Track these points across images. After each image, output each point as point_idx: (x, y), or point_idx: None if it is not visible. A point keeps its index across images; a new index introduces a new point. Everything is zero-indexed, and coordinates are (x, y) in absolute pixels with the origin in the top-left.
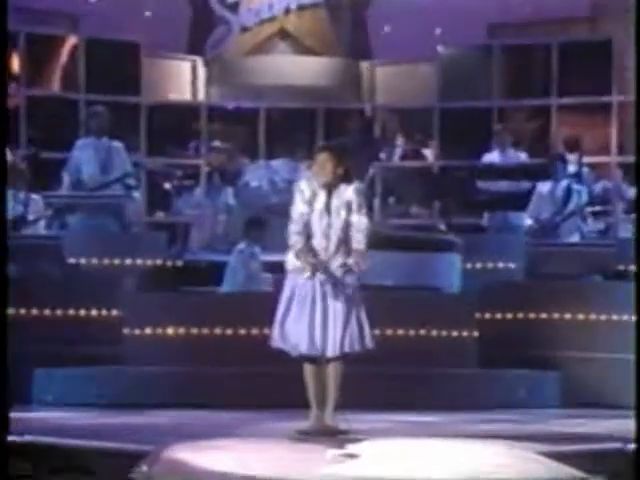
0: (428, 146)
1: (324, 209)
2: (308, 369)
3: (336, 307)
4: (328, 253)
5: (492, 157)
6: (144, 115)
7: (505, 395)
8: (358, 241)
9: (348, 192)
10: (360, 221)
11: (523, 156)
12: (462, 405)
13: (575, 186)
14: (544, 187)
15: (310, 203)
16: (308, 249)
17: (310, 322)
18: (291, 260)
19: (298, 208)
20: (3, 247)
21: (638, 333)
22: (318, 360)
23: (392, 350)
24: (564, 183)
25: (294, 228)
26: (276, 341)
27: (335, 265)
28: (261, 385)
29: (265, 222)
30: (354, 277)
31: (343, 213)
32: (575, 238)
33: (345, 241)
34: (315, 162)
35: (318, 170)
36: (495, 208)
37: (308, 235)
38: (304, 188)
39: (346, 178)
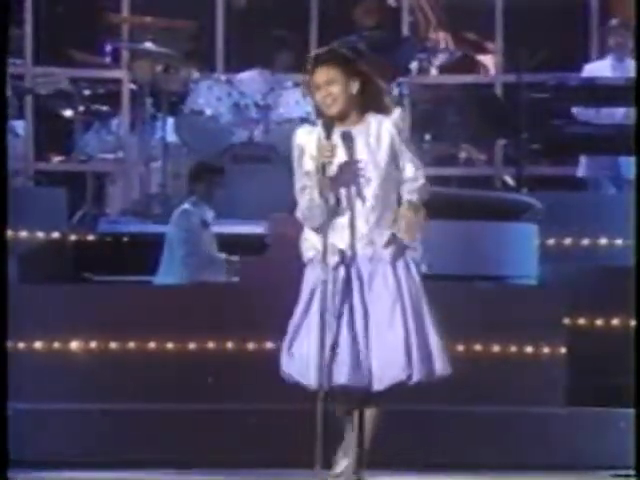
0: (487, 51)
1: (344, 160)
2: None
3: (383, 310)
4: (363, 228)
5: (602, 67)
6: None
7: (614, 448)
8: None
9: (385, 124)
10: (416, 174)
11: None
12: (545, 462)
13: None
14: None
15: (321, 157)
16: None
17: (337, 334)
18: (307, 243)
19: (301, 170)
20: (3, 247)
21: (637, 339)
22: (352, 397)
23: None
24: None
25: (302, 203)
26: (284, 366)
27: (380, 242)
28: (223, 431)
29: (221, 171)
30: (412, 257)
31: (381, 157)
32: None
33: (389, 205)
34: (311, 81)
35: (319, 95)
36: (594, 151)
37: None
38: (303, 140)
39: (371, 99)
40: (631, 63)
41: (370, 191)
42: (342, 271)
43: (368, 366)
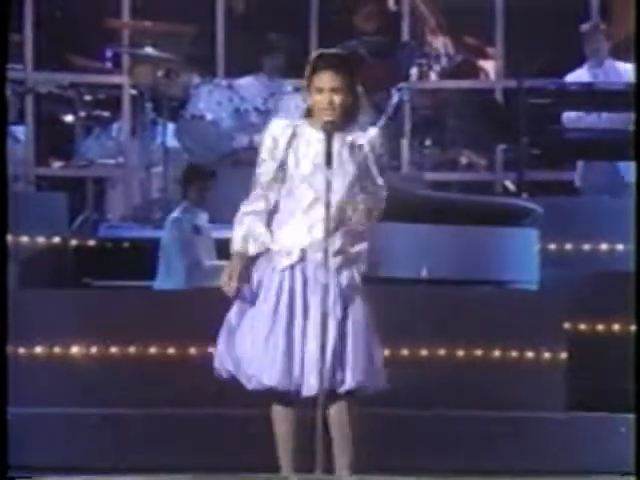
0: (487, 56)
1: (321, 161)
2: (277, 414)
3: (326, 318)
4: (320, 233)
5: (580, 75)
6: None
7: (615, 453)
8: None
9: (361, 139)
10: (379, 190)
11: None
12: (545, 467)
13: None
14: None
15: (289, 155)
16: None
17: (287, 337)
18: (237, 237)
19: (262, 167)
20: (3, 251)
21: (638, 344)
22: (293, 399)
23: (430, 381)
24: None
25: (252, 197)
26: (221, 361)
27: (331, 250)
28: (224, 436)
29: (213, 174)
30: (356, 273)
31: (351, 168)
32: None
33: (349, 216)
34: (314, 81)
35: (319, 98)
36: (595, 156)
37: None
38: (276, 132)
39: (355, 110)
40: (611, 65)
41: (334, 198)
42: (291, 272)
43: (301, 368)
